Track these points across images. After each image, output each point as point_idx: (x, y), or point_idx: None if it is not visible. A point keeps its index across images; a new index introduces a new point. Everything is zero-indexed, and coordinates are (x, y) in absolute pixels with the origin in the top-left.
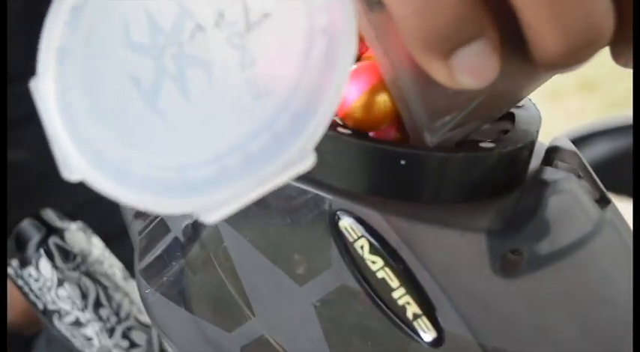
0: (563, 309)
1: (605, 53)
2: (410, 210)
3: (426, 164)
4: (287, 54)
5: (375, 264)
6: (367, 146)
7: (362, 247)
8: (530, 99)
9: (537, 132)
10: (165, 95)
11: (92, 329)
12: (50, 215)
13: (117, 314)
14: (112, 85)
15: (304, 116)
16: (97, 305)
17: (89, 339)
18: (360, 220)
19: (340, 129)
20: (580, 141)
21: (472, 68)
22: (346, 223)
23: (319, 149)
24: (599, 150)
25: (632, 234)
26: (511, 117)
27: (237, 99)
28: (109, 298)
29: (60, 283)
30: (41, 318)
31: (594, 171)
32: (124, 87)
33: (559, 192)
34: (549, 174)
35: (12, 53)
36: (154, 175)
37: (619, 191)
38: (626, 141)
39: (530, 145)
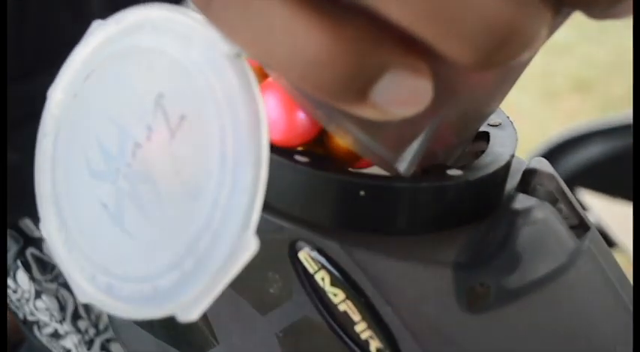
0: (533, 346)
1: (603, 54)
2: (372, 242)
3: (386, 195)
4: (207, 150)
5: (337, 296)
6: (324, 176)
7: (323, 279)
8: (508, 117)
9: (512, 155)
10: (128, 214)
11: (71, 341)
12: (28, 225)
13: (96, 326)
14: (89, 213)
15: (236, 205)
16: (76, 317)
17: (68, 351)
18: (320, 251)
19: (297, 158)
20: (576, 141)
21: (397, 98)
22: (306, 254)
23: (277, 175)
24: (596, 150)
25: (613, 259)
26: (486, 137)
27: (179, 203)
28: (87, 310)
29: (37, 295)
30: (22, 328)
31: (592, 171)
32: (97, 213)
33: (531, 221)
34: (522, 201)
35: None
36: (134, 288)
37: (615, 191)
38: (623, 142)
39: (504, 169)
